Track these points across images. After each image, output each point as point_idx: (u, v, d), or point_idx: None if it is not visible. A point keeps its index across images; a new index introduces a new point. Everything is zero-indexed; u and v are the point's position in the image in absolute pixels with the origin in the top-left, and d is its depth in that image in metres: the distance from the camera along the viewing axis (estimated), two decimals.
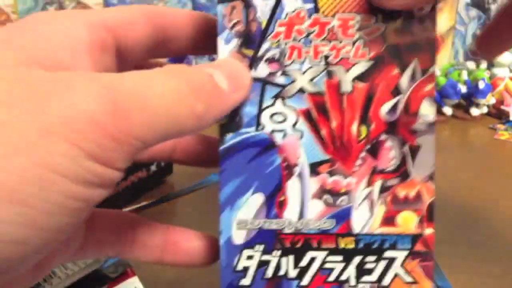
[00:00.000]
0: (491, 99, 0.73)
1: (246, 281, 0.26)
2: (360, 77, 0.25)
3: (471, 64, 0.72)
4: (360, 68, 0.25)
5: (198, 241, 0.27)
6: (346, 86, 0.25)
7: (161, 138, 0.20)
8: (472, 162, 0.60)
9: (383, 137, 0.25)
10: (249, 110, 0.25)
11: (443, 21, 0.73)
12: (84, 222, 0.25)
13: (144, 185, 0.48)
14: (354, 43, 0.25)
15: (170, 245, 0.27)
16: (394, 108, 0.25)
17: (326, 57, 0.25)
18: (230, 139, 0.25)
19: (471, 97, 0.73)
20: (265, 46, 0.25)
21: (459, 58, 0.78)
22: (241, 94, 0.24)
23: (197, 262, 0.27)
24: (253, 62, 0.25)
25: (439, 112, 0.70)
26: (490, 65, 0.75)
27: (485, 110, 0.75)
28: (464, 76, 0.71)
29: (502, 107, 0.76)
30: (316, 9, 0.25)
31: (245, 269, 0.26)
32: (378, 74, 0.25)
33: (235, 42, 0.25)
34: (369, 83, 0.25)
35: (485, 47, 0.29)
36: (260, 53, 0.25)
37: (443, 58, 0.76)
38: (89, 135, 0.18)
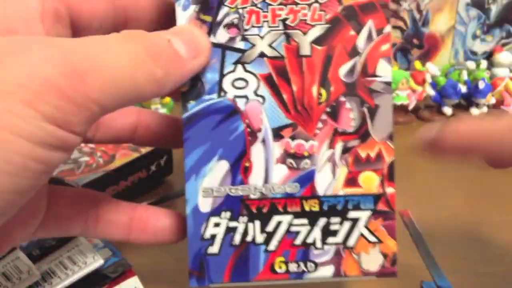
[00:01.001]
0: (491, 99, 0.74)
1: (213, 248, 0.26)
2: (318, 40, 0.25)
3: (471, 64, 0.72)
4: (317, 31, 0.25)
5: (166, 219, 0.27)
6: (305, 50, 0.25)
7: (119, 103, 0.20)
8: (472, 161, 0.59)
9: (342, 99, 0.25)
10: (211, 77, 0.25)
11: (443, 21, 0.74)
12: (45, 197, 0.24)
13: (144, 185, 0.48)
14: (310, 5, 0.25)
15: (137, 223, 0.26)
16: (352, 69, 0.25)
17: (284, 21, 0.25)
18: (193, 107, 0.25)
19: (471, 97, 0.73)
20: (223, 11, 0.25)
21: (459, 58, 0.79)
22: (200, 60, 0.24)
23: (164, 239, 0.27)
24: (212, 28, 0.25)
25: (439, 112, 0.70)
26: (490, 65, 0.76)
27: (485, 110, 0.75)
28: (464, 76, 0.71)
29: (502, 107, 0.77)
30: None
31: (213, 236, 0.26)
32: (335, 36, 0.25)
33: (192, 8, 0.25)
34: (327, 46, 0.25)
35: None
36: (218, 18, 0.25)
37: (443, 58, 0.77)
38: (45, 97, 0.17)
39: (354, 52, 0.25)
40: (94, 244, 0.34)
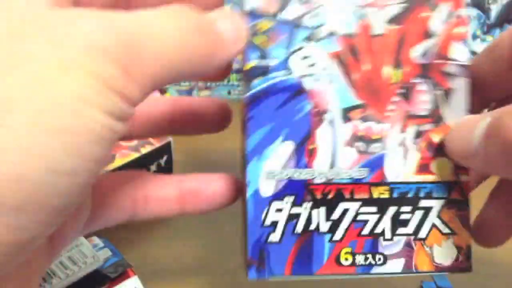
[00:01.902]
0: None
1: (275, 236, 0.24)
2: (392, 20, 0.24)
3: None
4: (393, 10, 0.24)
5: (217, 183, 0.25)
6: (378, 29, 0.24)
7: (169, 78, 0.20)
8: None
9: (415, 80, 0.24)
10: (278, 53, 0.24)
11: None
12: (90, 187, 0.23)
13: None
14: None
15: (187, 194, 0.25)
16: (426, 51, 0.24)
17: None
18: (257, 85, 0.24)
19: None
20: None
21: None
22: (239, 46, 0.22)
23: (217, 204, 0.26)
24: (282, 4, 0.24)
25: None
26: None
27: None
28: None
29: None
30: None
31: (274, 223, 0.24)
32: (411, 16, 0.24)
33: None
34: (401, 25, 0.24)
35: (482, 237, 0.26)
36: None
37: None
38: (107, 67, 0.17)
39: (428, 33, 0.24)
40: (94, 244, 0.34)
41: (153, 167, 0.45)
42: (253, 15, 0.24)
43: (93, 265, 0.32)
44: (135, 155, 0.44)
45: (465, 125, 0.23)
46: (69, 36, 0.17)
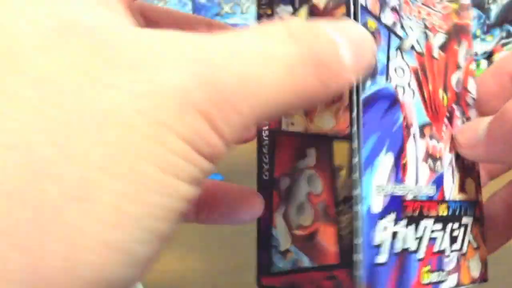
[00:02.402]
0: None
1: (382, 258, 0.21)
2: (441, 46, 0.26)
3: None
4: (441, 38, 0.26)
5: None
6: (435, 52, 0.25)
7: (264, 121, 0.19)
8: None
9: (454, 106, 0.26)
10: (381, 58, 0.22)
11: None
12: None
13: None
14: (437, 13, 0.26)
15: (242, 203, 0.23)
16: (458, 80, 0.27)
17: (424, 20, 0.25)
18: (369, 88, 0.21)
19: None
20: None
21: None
22: (362, 72, 0.19)
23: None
24: (382, 5, 0.22)
25: None
26: (490, 65, 0.75)
27: None
28: None
29: None
30: None
31: (381, 243, 0.21)
32: (450, 47, 0.26)
33: None
34: (446, 53, 0.26)
35: None
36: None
37: None
38: (198, 128, 0.14)
39: (458, 65, 0.27)
40: None
41: None
42: (364, 12, 0.21)
43: None
44: None
45: (473, 122, 0.26)
46: (153, 88, 0.14)
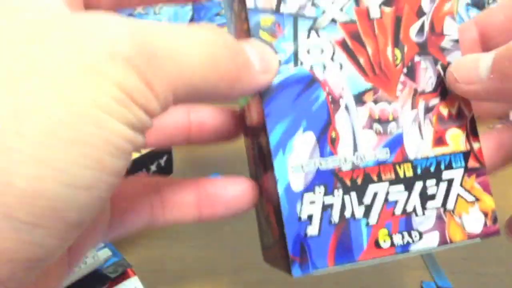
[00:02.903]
0: None
1: (313, 229, 0.23)
2: (386, 2, 0.25)
3: None
4: None
5: (236, 187, 0.25)
6: (375, 12, 0.25)
7: (190, 96, 0.19)
8: None
9: (417, 58, 0.25)
10: (285, 47, 0.24)
11: None
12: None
13: None
14: None
15: (205, 199, 0.24)
16: (421, 29, 0.25)
17: None
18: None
19: None
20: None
21: None
22: (268, 77, 0.23)
23: (238, 209, 0.25)
24: None
25: None
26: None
27: None
28: None
29: None
30: None
31: (310, 216, 0.23)
32: None
33: None
34: (395, 7, 0.25)
35: None
36: None
37: None
38: (131, 78, 0.16)
39: (421, 12, 0.25)
40: None
41: (153, 167, 0.44)
42: (254, 12, 0.23)
43: (93, 265, 0.32)
44: (135, 155, 0.43)
45: (470, 57, 0.24)
46: (92, 41, 0.16)
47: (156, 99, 0.17)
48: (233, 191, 0.25)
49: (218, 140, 0.27)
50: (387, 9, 0.25)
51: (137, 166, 0.42)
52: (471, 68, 0.24)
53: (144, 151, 0.42)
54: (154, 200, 0.24)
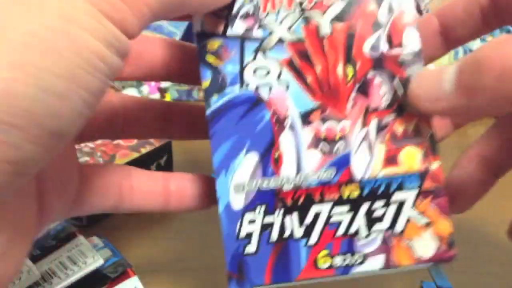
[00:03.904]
0: None
1: (251, 248, 0.24)
2: (338, 17, 0.24)
3: None
4: (337, 8, 0.24)
5: (196, 184, 0.27)
6: (325, 29, 0.24)
7: (166, 10, 0.20)
8: None
9: (371, 74, 0.24)
10: (231, 69, 0.24)
11: None
12: (76, 167, 0.24)
13: None
14: None
15: (174, 191, 0.26)
16: (377, 43, 0.24)
17: (301, 3, 0.24)
18: (216, 102, 0.24)
19: None
20: (238, 3, 0.24)
21: (459, 58, 0.76)
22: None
23: (198, 206, 0.27)
24: (228, 21, 0.25)
25: None
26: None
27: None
28: None
29: None
30: None
31: (249, 235, 0.24)
32: (355, 11, 0.24)
33: None
34: (348, 22, 0.24)
35: None
36: (234, 11, 0.24)
37: (444, 58, 0.75)
38: None
39: (376, 25, 0.24)
40: (94, 244, 0.35)
41: (153, 167, 0.45)
42: (202, 36, 0.25)
43: (93, 265, 0.32)
44: (135, 155, 0.45)
45: (431, 72, 0.23)
46: None
47: (133, 15, 0.18)
48: (197, 188, 0.26)
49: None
50: (339, 25, 0.24)
51: (137, 166, 0.43)
52: (434, 82, 0.22)
53: (144, 151, 0.44)
54: (123, 184, 0.25)
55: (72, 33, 0.17)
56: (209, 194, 0.26)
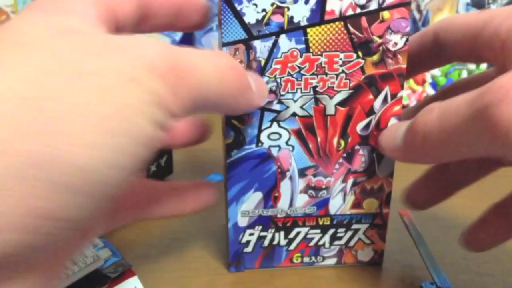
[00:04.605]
0: None
1: (248, 249, 0.34)
2: (341, 103, 0.30)
3: (471, 64, 0.68)
4: (342, 95, 0.29)
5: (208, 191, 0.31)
6: (330, 110, 0.30)
7: (205, 105, 0.23)
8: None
9: (357, 147, 0.31)
10: (251, 132, 0.30)
11: None
12: None
13: None
14: (337, 75, 0.29)
15: (189, 197, 0.30)
16: (367, 125, 0.30)
17: (315, 87, 0.29)
18: (235, 155, 0.31)
19: None
20: (264, 80, 0.28)
21: None
22: (261, 101, 0.27)
23: (203, 207, 0.31)
24: None
25: None
26: (490, 65, 0.71)
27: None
28: (464, 76, 0.67)
29: None
30: (307, 49, 0.28)
31: (248, 242, 0.33)
32: (356, 99, 0.30)
33: None
34: (348, 107, 0.30)
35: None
36: None
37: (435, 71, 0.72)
38: (161, 88, 0.20)
39: (370, 112, 0.30)
40: (94, 244, 0.34)
41: (153, 167, 0.44)
42: None
43: (93, 265, 0.32)
44: None
45: (392, 127, 0.30)
46: (134, 58, 0.20)
47: (179, 105, 0.21)
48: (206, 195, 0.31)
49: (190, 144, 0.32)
50: (342, 108, 0.30)
51: None
52: (391, 137, 0.29)
53: None
54: (143, 199, 0.29)
55: (136, 118, 0.20)
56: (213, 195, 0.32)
